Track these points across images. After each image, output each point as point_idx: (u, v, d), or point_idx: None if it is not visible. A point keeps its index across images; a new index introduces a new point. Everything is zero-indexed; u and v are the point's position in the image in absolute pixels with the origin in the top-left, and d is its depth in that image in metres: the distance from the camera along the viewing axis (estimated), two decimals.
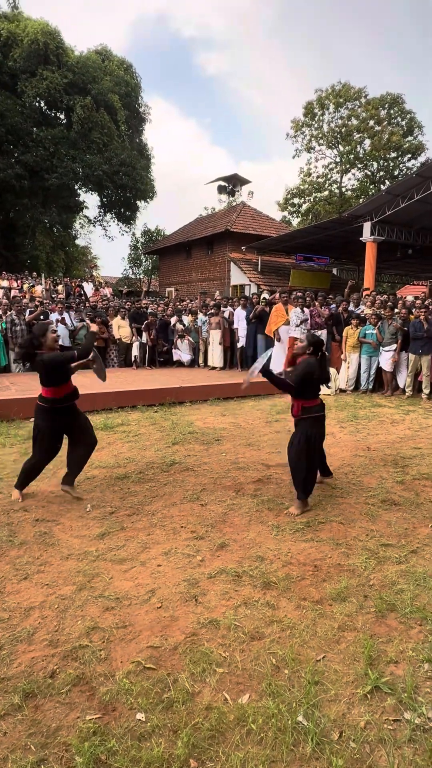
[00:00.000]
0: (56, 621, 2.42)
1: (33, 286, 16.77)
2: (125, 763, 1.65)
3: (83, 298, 15.73)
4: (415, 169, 17.24)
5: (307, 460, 3.75)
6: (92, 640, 2.27)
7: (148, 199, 30.93)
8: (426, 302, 10.22)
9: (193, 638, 2.30)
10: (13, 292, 15.02)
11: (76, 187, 28.26)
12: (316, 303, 10.24)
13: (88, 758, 1.65)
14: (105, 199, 30.18)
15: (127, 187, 28.56)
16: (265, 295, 12.17)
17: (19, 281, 17.63)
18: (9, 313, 10.33)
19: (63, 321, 10.72)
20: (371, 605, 2.56)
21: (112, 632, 2.33)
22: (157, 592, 2.68)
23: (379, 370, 9.39)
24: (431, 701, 1.91)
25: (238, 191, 25.20)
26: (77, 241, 33.97)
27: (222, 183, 25.08)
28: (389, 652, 2.20)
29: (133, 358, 11.26)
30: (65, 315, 11.00)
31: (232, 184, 25.04)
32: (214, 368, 11.13)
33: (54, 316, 10.72)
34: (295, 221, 34.86)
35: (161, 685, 2.01)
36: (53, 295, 14.96)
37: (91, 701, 1.93)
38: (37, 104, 25.98)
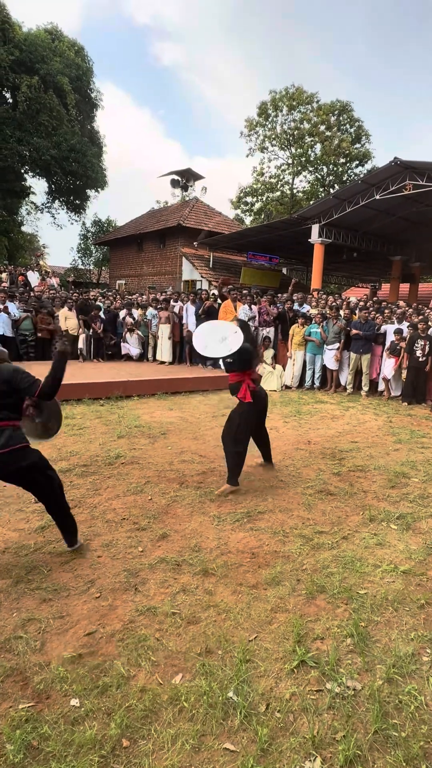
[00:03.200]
0: None
1: None
2: (57, 747, 1.67)
3: (28, 287, 15.14)
4: (361, 176, 17.98)
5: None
6: (27, 632, 2.26)
7: (99, 189, 30.12)
8: (368, 304, 10.74)
9: (131, 625, 2.34)
10: None
11: (23, 171, 27.05)
12: (263, 301, 10.46)
13: (19, 745, 1.66)
14: (53, 186, 29.08)
15: (77, 175, 27.66)
16: (214, 291, 12.28)
17: None
18: None
19: (6, 310, 10.29)
20: (303, 588, 2.71)
21: (49, 623, 2.33)
22: (96, 582, 2.69)
23: (324, 367, 9.77)
24: (351, 671, 2.08)
25: (191, 186, 25.14)
26: (23, 228, 32.53)
27: (175, 177, 24.92)
28: (316, 630, 2.35)
29: (79, 351, 11.01)
30: (8, 304, 10.56)
31: (186, 178, 24.94)
32: (162, 362, 11.12)
33: None
34: (248, 219, 35.26)
35: (97, 672, 2.04)
36: None
37: (25, 690, 1.93)
38: None
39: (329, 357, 9.49)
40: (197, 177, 25.02)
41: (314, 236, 15.46)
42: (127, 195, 68.78)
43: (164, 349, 11.13)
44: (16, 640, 2.19)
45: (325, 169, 34.44)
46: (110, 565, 2.88)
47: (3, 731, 1.72)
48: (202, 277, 18.83)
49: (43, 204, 30.65)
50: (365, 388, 9.22)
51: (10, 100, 25.55)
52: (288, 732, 1.77)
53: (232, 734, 1.76)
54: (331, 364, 9.51)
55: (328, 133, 32.58)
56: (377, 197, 13.53)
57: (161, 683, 1.99)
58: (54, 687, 1.95)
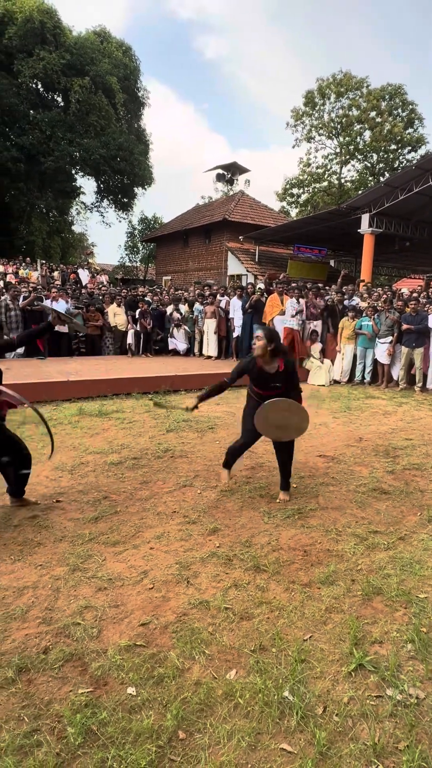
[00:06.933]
0: (49, 600, 2.46)
1: (28, 271, 16.64)
2: (116, 734, 1.70)
3: (79, 285, 15.63)
4: (415, 162, 17.17)
5: None
6: (85, 619, 2.32)
7: (146, 186, 30.61)
8: (421, 296, 10.26)
9: (184, 618, 2.35)
10: (8, 278, 14.88)
11: (73, 171, 27.91)
12: (310, 294, 10.24)
13: (79, 729, 1.71)
14: (102, 185, 29.84)
15: (124, 173, 28.21)
16: (260, 285, 12.16)
17: (14, 266, 17.45)
18: (3, 297, 10.26)
19: (63, 296, 10.68)
20: (358, 589, 2.62)
21: (105, 611, 2.38)
22: (149, 573, 2.73)
23: (375, 361, 9.45)
24: (413, 678, 1.98)
25: (236, 180, 25.00)
26: (74, 227, 33.65)
27: (221, 171, 24.86)
28: (374, 633, 2.27)
29: (128, 346, 11.25)
30: (60, 302, 10.92)
31: (231, 172, 24.83)
32: (209, 357, 11.15)
33: (49, 303, 10.66)
34: (294, 212, 34.66)
35: (152, 662, 2.06)
36: (49, 282, 14.84)
37: (84, 676, 1.98)
38: (33, 86, 25.49)
39: (381, 351, 9.16)
40: (243, 170, 24.86)
41: (364, 226, 14.97)
42: (172, 191, 69.51)
43: (210, 344, 11.16)
44: (74, 627, 2.26)
45: (374, 157, 33.24)
46: (162, 557, 2.91)
47: (64, 714, 1.77)
48: (247, 271, 18.71)
49: (92, 203, 31.52)
50: (419, 384, 8.83)
51: (62, 104, 26.36)
52: (347, 737, 1.72)
53: (289, 735, 1.72)
54: (384, 359, 9.17)
55: (378, 119, 31.36)
56: None
57: (215, 677, 1.98)
58: (111, 674, 1.99)
